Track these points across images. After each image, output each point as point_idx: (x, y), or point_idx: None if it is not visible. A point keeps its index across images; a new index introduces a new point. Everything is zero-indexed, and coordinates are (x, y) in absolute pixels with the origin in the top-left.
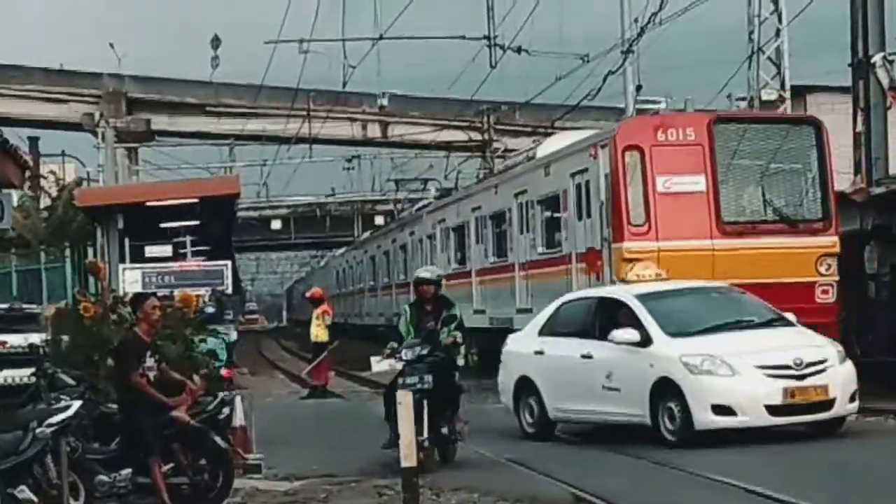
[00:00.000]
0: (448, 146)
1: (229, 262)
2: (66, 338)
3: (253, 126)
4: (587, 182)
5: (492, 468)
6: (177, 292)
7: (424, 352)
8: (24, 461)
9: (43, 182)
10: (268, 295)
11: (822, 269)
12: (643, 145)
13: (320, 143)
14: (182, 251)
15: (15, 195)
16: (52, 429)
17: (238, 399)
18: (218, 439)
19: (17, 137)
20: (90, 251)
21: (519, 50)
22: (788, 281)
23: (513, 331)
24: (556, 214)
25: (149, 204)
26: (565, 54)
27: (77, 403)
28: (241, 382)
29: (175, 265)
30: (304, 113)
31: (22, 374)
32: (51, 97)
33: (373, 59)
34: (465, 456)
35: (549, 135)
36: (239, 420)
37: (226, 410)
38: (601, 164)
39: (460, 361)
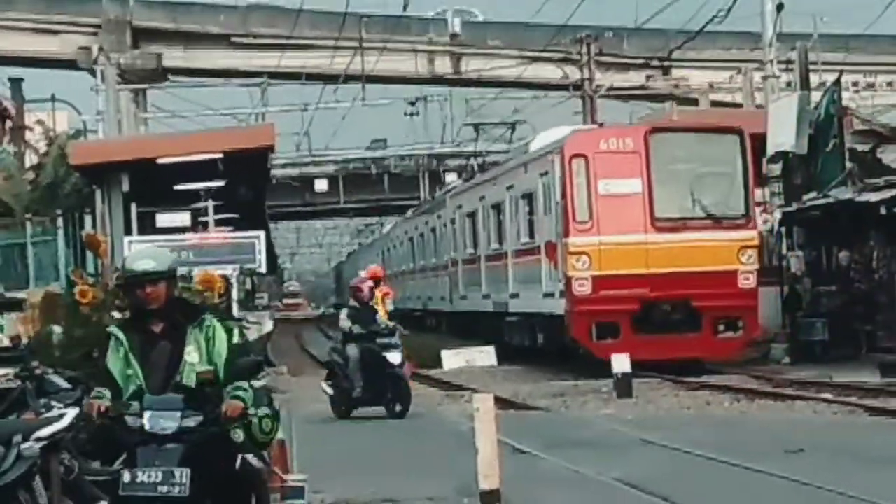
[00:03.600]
0: (538, 84)
1: (262, 234)
2: (58, 329)
3: (290, 61)
4: (549, 183)
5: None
6: (196, 271)
7: (191, 422)
8: (6, 485)
9: (28, 135)
10: (311, 274)
11: (744, 259)
12: (587, 153)
13: (375, 81)
14: (203, 220)
15: None
16: (41, 444)
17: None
18: (250, 457)
19: None
20: (88, 221)
21: None
22: (714, 269)
23: (508, 314)
24: (531, 209)
25: (161, 161)
26: None
27: (72, 412)
28: (278, 385)
29: (195, 237)
30: (356, 44)
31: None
32: (38, 28)
33: None
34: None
35: (665, 68)
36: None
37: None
38: (556, 168)
39: (236, 435)
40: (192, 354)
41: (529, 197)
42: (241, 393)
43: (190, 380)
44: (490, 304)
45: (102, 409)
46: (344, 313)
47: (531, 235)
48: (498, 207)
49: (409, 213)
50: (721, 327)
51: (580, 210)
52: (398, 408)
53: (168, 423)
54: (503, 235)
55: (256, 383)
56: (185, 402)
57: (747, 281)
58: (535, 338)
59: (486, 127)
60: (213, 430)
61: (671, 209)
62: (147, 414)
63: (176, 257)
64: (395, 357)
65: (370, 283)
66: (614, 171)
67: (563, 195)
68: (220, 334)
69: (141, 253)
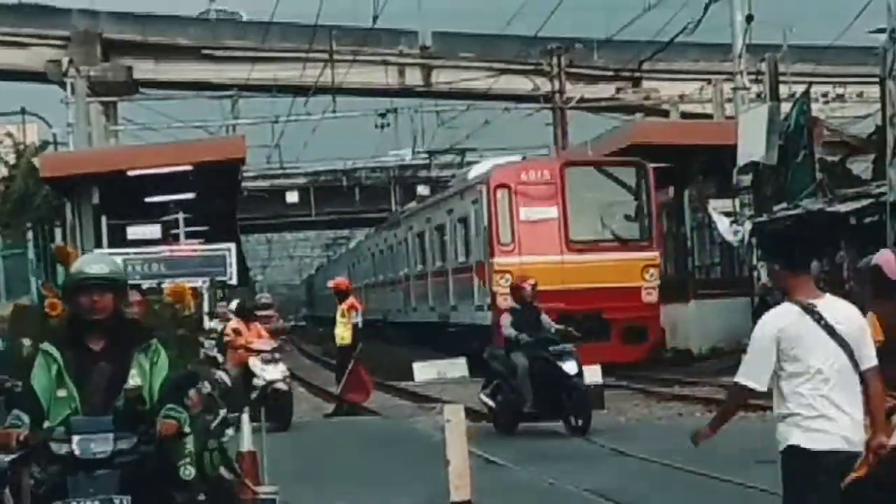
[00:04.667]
0: (508, 96)
1: (233, 246)
2: (27, 342)
3: (261, 73)
4: (479, 210)
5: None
6: (166, 284)
7: (125, 444)
8: None
9: None
10: (283, 286)
11: (647, 277)
12: (510, 184)
13: (346, 93)
14: (174, 232)
15: None
16: (10, 457)
17: (245, 417)
18: (222, 469)
19: None
20: (58, 233)
21: None
22: (621, 286)
23: (448, 325)
24: (466, 232)
25: (131, 173)
26: None
27: None
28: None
29: (165, 249)
30: (326, 56)
31: None
32: (6, 40)
33: None
34: (525, 482)
35: (635, 80)
36: (247, 444)
37: (230, 432)
38: (483, 197)
39: (187, 472)
40: (135, 378)
41: (465, 221)
42: (174, 413)
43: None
44: (435, 316)
45: (21, 437)
46: (506, 319)
47: (466, 255)
48: (441, 229)
49: (373, 229)
50: (628, 336)
51: (504, 234)
52: (578, 422)
53: (100, 446)
54: (445, 254)
55: (204, 390)
56: (115, 422)
57: (650, 295)
58: (470, 347)
59: (438, 154)
60: (147, 450)
61: (583, 233)
62: (75, 438)
63: (117, 262)
64: (571, 367)
65: (531, 282)
66: (534, 199)
67: (489, 220)
68: (164, 358)
69: (93, 258)
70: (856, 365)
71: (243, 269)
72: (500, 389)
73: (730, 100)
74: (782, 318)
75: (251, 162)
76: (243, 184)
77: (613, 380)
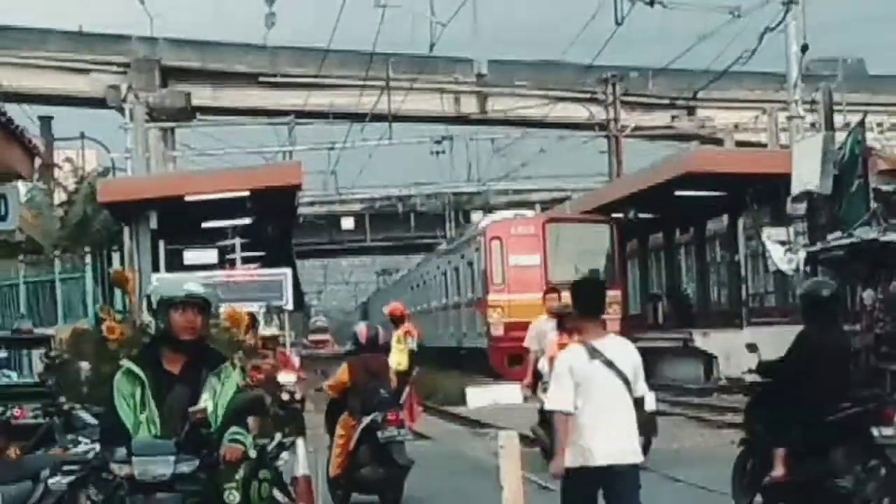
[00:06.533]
0: (563, 124)
1: (289, 271)
2: (85, 365)
3: (318, 100)
4: (479, 256)
5: None
6: (223, 308)
7: (186, 468)
8: None
9: (57, 172)
10: (338, 311)
11: (611, 311)
12: (502, 236)
13: (402, 120)
14: (230, 257)
15: (23, 189)
16: (68, 479)
17: (300, 442)
18: (276, 492)
19: (25, 117)
20: (116, 258)
21: (652, 2)
22: None
23: (461, 349)
24: (473, 273)
25: (188, 198)
26: (711, 7)
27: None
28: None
29: (222, 274)
30: (382, 83)
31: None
32: (67, 66)
33: (467, 15)
34: None
35: (690, 108)
36: (301, 469)
37: (285, 456)
38: (482, 246)
39: (231, 496)
40: (207, 403)
41: (471, 265)
42: (240, 437)
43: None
44: (454, 341)
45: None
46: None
47: (472, 292)
48: (457, 270)
49: (418, 263)
50: None
51: (497, 276)
52: None
53: (161, 468)
54: (459, 291)
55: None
56: (176, 445)
57: (613, 325)
58: (476, 366)
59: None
60: (210, 478)
61: (561, 275)
62: (136, 460)
63: (206, 285)
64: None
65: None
66: (521, 249)
67: (485, 265)
68: (233, 381)
69: (184, 278)
70: (630, 392)
71: (299, 294)
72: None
73: (784, 129)
74: (573, 357)
75: (307, 188)
76: (299, 209)
77: (667, 406)
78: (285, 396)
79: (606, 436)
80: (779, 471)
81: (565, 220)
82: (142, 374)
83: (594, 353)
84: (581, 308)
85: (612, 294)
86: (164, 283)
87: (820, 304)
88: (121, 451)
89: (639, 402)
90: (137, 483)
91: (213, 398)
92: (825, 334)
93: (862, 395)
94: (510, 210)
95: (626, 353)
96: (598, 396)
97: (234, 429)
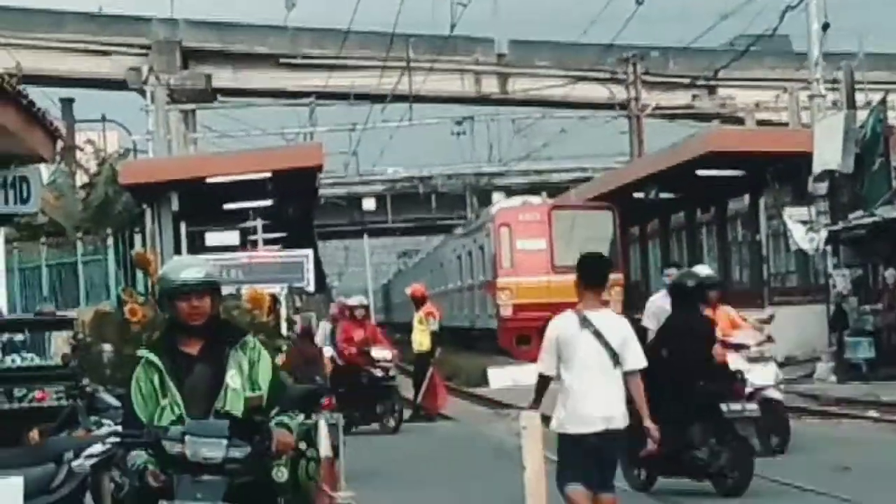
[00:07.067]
0: (584, 104)
1: (310, 252)
2: (108, 347)
3: (338, 81)
4: (490, 241)
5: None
6: (245, 290)
7: (238, 453)
8: (57, 501)
9: (79, 154)
10: (359, 292)
11: (613, 293)
12: (510, 223)
13: (422, 101)
14: (252, 238)
15: (45, 171)
16: (91, 461)
17: (322, 423)
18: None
19: (46, 99)
20: (138, 240)
21: None
22: None
23: (473, 329)
24: (484, 257)
25: (210, 180)
26: None
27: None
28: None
29: (243, 256)
30: (403, 64)
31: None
32: (88, 49)
33: None
34: None
35: (711, 87)
36: (324, 450)
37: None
38: (491, 232)
39: (279, 473)
40: (234, 379)
41: (483, 249)
42: (288, 421)
43: (235, 407)
44: (468, 321)
45: (161, 478)
46: None
47: (484, 274)
48: (470, 254)
49: (435, 247)
50: None
51: (505, 260)
52: None
53: (213, 451)
54: (473, 274)
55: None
56: (229, 429)
57: (616, 307)
58: (486, 346)
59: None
60: (258, 462)
61: (565, 259)
62: (188, 440)
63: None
64: None
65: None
66: (528, 234)
67: (495, 250)
68: (266, 357)
69: (184, 262)
70: (617, 364)
71: (321, 275)
72: None
73: (806, 108)
74: (563, 323)
75: (328, 169)
76: (320, 191)
77: None
78: (378, 373)
79: (595, 403)
80: (651, 445)
81: (570, 206)
82: (158, 361)
83: (585, 322)
84: (584, 278)
85: (614, 277)
86: (166, 271)
87: (685, 294)
88: (175, 429)
89: (633, 375)
90: (187, 463)
91: (241, 374)
92: (688, 320)
93: (715, 372)
94: (529, 194)
95: (615, 327)
96: (583, 363)
97: (281, 411)
